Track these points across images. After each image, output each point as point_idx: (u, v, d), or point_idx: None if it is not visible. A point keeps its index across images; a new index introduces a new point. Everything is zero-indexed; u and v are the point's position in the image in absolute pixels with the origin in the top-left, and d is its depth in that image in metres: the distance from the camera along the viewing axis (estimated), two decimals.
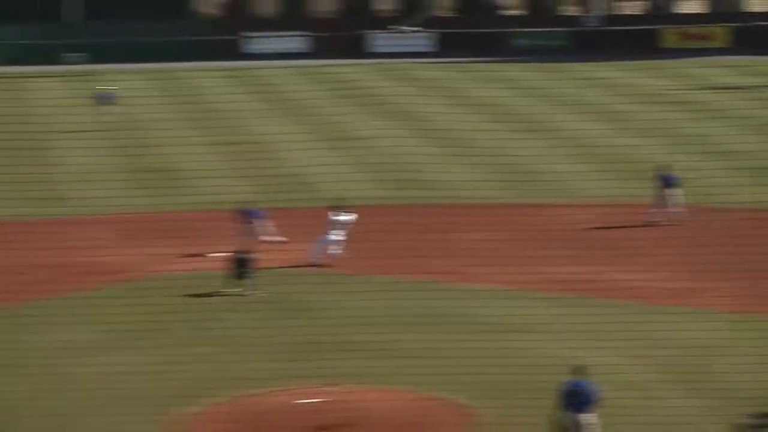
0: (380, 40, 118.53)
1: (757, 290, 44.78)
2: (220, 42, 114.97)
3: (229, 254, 46.25)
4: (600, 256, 50.84)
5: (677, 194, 55.00)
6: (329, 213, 48.75)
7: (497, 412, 33.23)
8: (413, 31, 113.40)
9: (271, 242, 50.68)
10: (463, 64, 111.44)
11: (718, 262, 47.83)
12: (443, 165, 67.63)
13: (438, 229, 54.35)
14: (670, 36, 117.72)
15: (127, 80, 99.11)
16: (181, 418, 33.47)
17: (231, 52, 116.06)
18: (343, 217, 48.56)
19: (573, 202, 60.79)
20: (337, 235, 49.28)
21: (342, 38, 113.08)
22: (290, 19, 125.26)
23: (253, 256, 45.90)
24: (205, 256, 51.04)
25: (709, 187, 55.67)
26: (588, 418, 28.14)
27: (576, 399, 30.01)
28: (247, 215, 51.53)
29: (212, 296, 45.16)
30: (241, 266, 45.30)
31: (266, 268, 46.44)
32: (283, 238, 51.48)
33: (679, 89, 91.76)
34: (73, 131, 76.96)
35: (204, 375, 37.06)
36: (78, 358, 38.34)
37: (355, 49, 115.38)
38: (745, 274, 45.68)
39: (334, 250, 48.41)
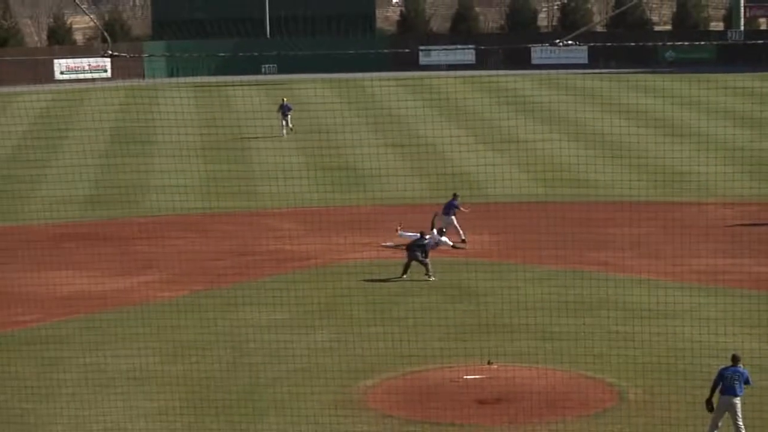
0: (540, 52, 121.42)
1: None
2: (398, 55, 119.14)
3: (406, 243, 46.73)
4: (743, 249, 49.85)
5: None
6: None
7: (642, 391, 33.12)
8: (570, 45, 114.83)
9: (458, 236, 51.45)
10: (616, 75, 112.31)
11: None
12: (597, 165, 66.92)
13: (591, 224, 54.05)
14: None
15: (317, 88, 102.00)
16: (358, 391, 34.05)
17: (408, 63, 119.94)
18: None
19: (717, 200, 60.01)
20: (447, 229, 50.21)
21: (506, 51, 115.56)
22: (460, 34, 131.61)
23: (428, 243, 46.21)
24: (383, 245, 51.61)
25: None
26: (738, 401, 27.96)
27: (730, 383, 29.65)
28: (447, 207, 52.25)
29: (389, 281, 45.58)
30: (420, 253, 45.51)
31: (438, 256, 46.80)
32: (463, 237, 52.12)
33: None
34: (265, 136, 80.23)
35: (379, 352, 37.40)
36: (268, 336, 39.20)
37: (517, 60, 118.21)
38: None
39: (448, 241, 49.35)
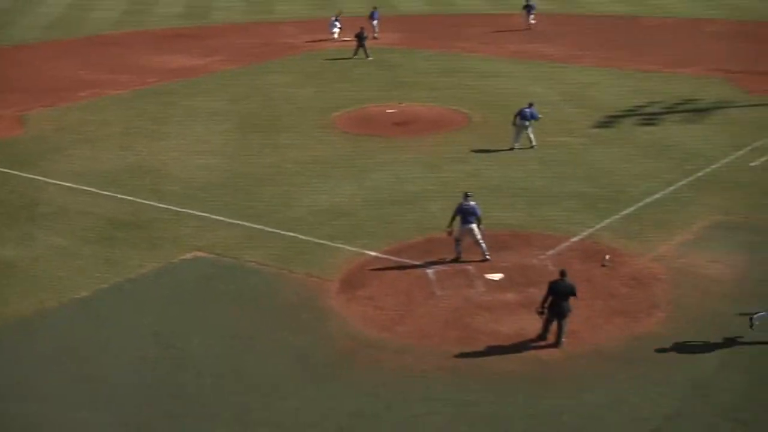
0: None
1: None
2: None
3: (353, 38, 48.44)
4: (539, 39, 52.42)
5: None
6: None
7: (482, 116, 35.53)
8: None
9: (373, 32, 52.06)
10: None
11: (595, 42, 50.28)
12: None
13: (458, 26, 56.91)
14: None
15: None
16: (331, 118, 36.03)
17: None
18: None
19: (521, 13, 60.37)
20: None
21: None
22: None
23: (366, 35, 47.93)
24: (335, 39, 52.96)
25: None
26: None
27: (523, 117, 30.84)
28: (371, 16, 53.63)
29: (346, 59, 47.65)
30: (362, 41, 47.63)
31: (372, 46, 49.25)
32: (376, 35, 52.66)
33: None
34: None
35: (342, 96, 39.95)
36: (282, 89, 41.54)
37: None
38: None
39: None
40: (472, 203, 22.20)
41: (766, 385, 17.08)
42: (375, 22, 52.51)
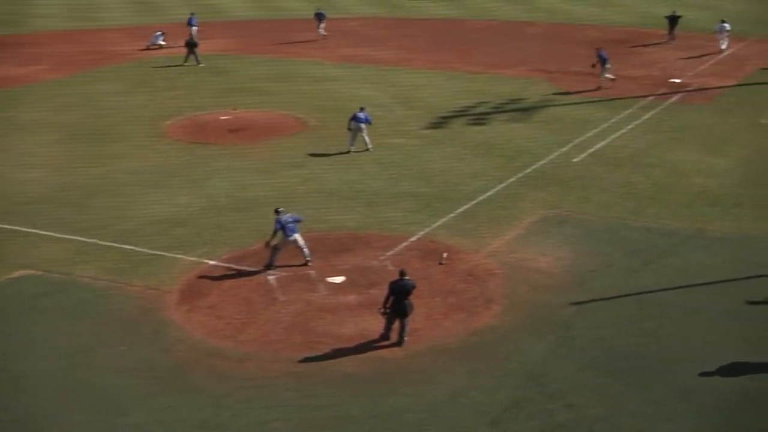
0: None
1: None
2: None
3: (183, 44, 47.80)
4: (367, 43, 53.11)
5: None
6: None
7: (318, 120, 35.71)
8: None
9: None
10: None
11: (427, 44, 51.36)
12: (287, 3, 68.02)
13: (287, 33, 56.42)
14: None
15: None
16: (162, 127, 35.35)
17: None
18: None
19: (349, 16, 61.54)
20: None
21: None
22: None
23: (197, 42, 47.45)
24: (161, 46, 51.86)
25: None
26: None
27: (357, 120, 31.18)
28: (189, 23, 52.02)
29: (178, 66, 47.08)
30: (191, 49, 47.22)
31: (204, 52, 48.53)
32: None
33: None
34: None
35: (174, 105, 39.35)
36: (111, 98, 40.20)
37: None
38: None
39: None
40: (288, 215, 22.15)
41: (593, 370, 17.93)
42: (194, 28, 51.03)
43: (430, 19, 61.03)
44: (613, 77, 40.63)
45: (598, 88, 39.79)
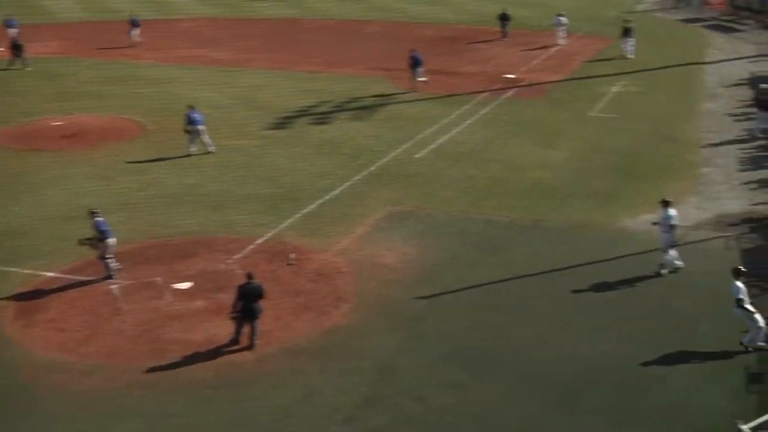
0: None
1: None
2: None
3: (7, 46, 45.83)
4: (206, 43, 52.31)
5: None
6: None
7: (157, 124, 35.07)
8: None
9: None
10: None
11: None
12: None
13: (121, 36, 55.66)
14: None
15: None
16: None
17: None
18: None
19: (193, 16, 60.80)
20: None
21: None
22: None
23: (23, 44, 45.25)
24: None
25: None
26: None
27: (192, 122, 30.98)
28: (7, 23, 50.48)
29: (1, 71, 44.93)
30: (17, 52, 45.14)
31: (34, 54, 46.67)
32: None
33: None
34: None
35: (3, 112, 37.43)
36: None
37: None
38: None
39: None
40: (100, 219, 21.87)
41: (442, 363, 18.44)
42: (13, 30, 48.45)
43: (266, 19, 60.62)
44: (425, 79, 40.59)
45: (412, 91, 39.82)
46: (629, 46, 46.27)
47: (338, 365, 18.14)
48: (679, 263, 22.10)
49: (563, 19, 50.13)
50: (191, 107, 31.30)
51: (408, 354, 18.55)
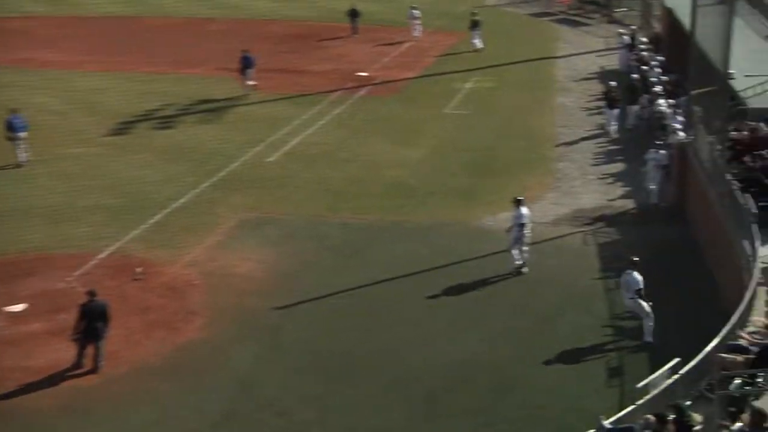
0: None
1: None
2: None
3: None
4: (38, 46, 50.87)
5: None
6: None
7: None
8: None
9: None
10: None
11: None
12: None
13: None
14: None
15: None
16: None
17: None
18: None
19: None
20: None
21: None
22: None
23: None
24: None
25: None
26: None
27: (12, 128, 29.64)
28: None
29: None
30: None
31: None
32: None
33: None
34: None
35: None
36: None
37: None
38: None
39: None
40: None
41: (303, 374, 18.38)
42: None
43: (103, 17, 58.92)
44: (254, 83, 39.57)
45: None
46: (477, 38, 47.63)
47: (194, 383, 17.84)
48: (518, 262, 22.67)
49: (416, 12, 50.95)
50: (13, 111, 30.08)
51: (267, 366, 18.46)
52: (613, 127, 33.15)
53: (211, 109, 37.16)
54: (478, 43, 47.17)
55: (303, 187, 28.36)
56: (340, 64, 45.38)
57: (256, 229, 25.15)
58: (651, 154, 27.31)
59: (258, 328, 19.77)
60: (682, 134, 27.15)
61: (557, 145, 32.63)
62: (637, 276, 19.10)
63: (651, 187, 27.00)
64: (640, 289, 19.00)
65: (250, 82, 39.35)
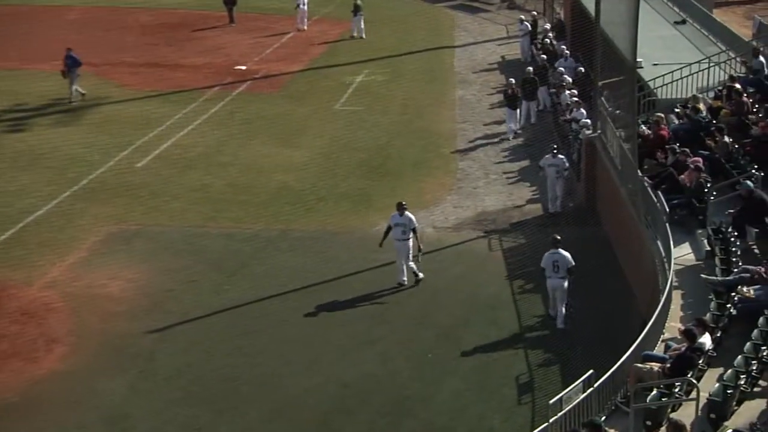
0: None
1: None
2: None
3: None
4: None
5: None
6: None
7: None
8: None
9: None
10: None
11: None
12: None
13: None
14: None
15: None
16: None
17: None
18: None
19: None
20: None
21: None
22: None
23: None
24: None
25: None
26: None
27: None
28: None
29: None
30: None
31: None
32: None
33: None
34: None
35: None
36: None
37: None
38: None
39: None
40: None
41: (181, 403, 18.11)
42: None
43: None
44: (83, 92, 37.44)
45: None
46: (358, 24, 47.93)
47: (56, 420, 17.40)
48: (403, 278, 22.49)
49: (302, 2, 50.94)
50: None
51: (141, 398, 18.15)
52: (512, 127, 33.43)
53: (69, 109, 36.56)
54: (355, 30, 47.52)
55: (179, 194, 28.07)
56: (217, 57, 45.06)
57: (126, 243, 24.76)
58: (548, 159, 27.07)
59: (129, 356, 19.45)
60: (588, 129, 27.77)
61: (458, 140, 33.21)
62: (566, 254, 19.86)
63: (551, 195, 27.02)
64: (573, 266, 19.76)
65: (76, 88, 37.70)
